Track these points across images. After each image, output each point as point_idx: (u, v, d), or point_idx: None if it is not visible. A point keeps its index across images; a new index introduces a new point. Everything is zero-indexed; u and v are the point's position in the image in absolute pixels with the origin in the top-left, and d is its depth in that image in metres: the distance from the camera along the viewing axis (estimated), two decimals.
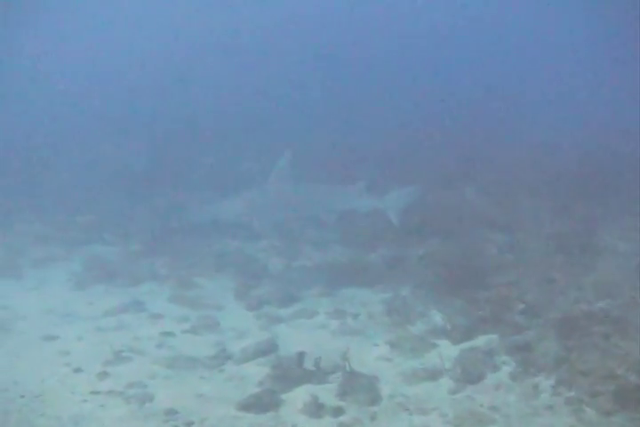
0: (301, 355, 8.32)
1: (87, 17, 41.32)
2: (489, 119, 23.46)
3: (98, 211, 15.29)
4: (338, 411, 7.48)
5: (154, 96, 27.28)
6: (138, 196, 16.18)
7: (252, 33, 38.54)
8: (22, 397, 7.81)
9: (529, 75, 31.47)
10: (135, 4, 43.11)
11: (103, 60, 33.78)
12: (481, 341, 9.03)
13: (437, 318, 9.85)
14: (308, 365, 8.28)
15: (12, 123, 24.13)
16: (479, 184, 15.68)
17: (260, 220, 11.63)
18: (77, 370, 8.45)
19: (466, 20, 41.60)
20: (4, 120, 24.44)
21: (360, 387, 7.90)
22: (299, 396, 7.79)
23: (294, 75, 31.47)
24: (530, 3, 40.96)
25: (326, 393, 7.82)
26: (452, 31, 41.23)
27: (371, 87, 28.53)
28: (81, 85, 28.94)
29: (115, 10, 42.48)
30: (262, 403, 7.64)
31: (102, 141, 21.31)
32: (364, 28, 41.57)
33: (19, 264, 12.46)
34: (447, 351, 8.78)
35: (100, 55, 34.46)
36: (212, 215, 12.16)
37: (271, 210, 11.74)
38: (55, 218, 15.17)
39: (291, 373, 8.16)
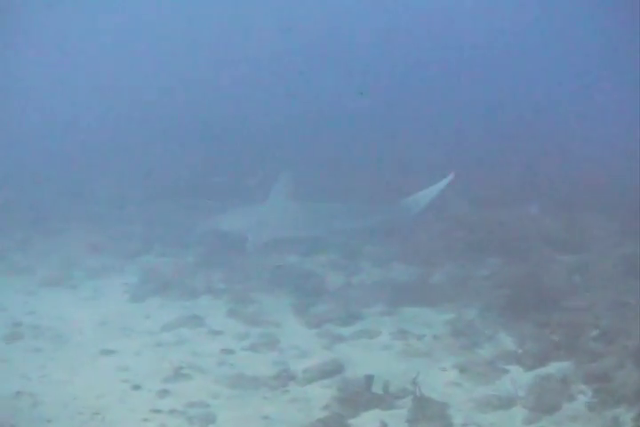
0: (370, 378, 7.99)
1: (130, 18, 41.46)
2: (544, 134, 22.85)
3: (150, 221, 15.10)
4: None
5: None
6: (189, 206, 15.98)
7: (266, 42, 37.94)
8: (81, 414, 7.59)
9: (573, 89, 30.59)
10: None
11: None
12: (554, 367, 8.61)
13: (507, 341, 9.47)
14: (376, 388, 7.96)
15: (65, 130, 24.31)
16: (542, 201, 15.19)
17: (254, 235, 11.97)
18: (136, 387, 8.21)
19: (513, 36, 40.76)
20: (56, 127, 24.63)
21: (431, 414, 7.56)
22: (367, 421, 7.50)
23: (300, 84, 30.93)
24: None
25: (396, 419, 7.50)
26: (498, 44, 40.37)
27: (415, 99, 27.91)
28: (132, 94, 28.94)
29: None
30: None
31: (153, 151, 21.29)
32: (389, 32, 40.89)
33: (73, 274, 12.29)
34: (519, 378, 8.39)
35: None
36: (210, 227, 12.70)
37: (268, 226, 12.10)
38: (108, 227, 15.00)
39: (358, 396, 7.84)
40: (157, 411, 7.64)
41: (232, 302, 11.03)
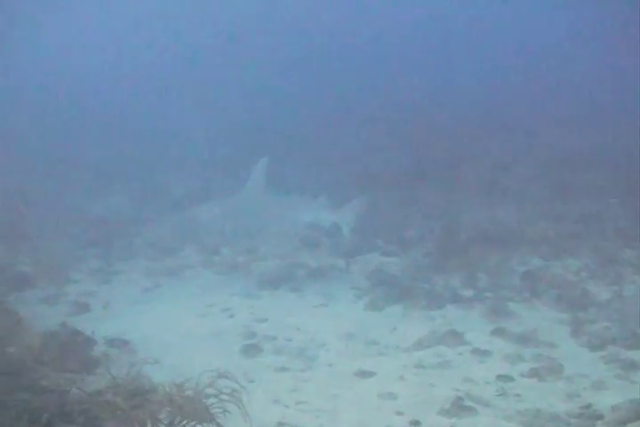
0: None
1: None
2: None
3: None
4: None
5: None
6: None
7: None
8: None
9: None
10: None
11: None
12: None
13: None
14: None
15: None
16: None
17: (231, 226, 12.56)
18: (415, 423, 6.88)
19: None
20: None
21: None
22: None
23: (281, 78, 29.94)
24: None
25: None
26: None
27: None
28: None
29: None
30: None
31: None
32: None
33: (293, 274, 11.16)
34: None
35: None
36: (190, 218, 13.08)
37: (243, 218, 12.71)
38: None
39: None
40: None
41: (487, 313, 9.60)
